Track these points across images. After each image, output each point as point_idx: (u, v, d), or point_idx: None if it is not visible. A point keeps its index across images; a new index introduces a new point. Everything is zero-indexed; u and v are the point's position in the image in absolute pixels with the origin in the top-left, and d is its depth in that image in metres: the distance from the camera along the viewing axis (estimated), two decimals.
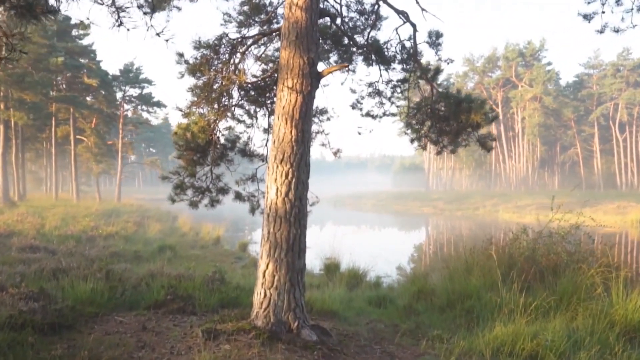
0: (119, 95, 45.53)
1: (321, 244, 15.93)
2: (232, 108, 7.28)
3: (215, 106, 6.89)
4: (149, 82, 46.19)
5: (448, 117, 7.29)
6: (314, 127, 7.90)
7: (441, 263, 14.51)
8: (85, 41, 40.78)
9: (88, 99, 41.77)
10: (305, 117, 5.46)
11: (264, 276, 5.37)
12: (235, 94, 7.18)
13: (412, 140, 8.47)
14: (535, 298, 7.24)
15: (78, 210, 27.94)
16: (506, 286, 8.09)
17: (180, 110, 6.51)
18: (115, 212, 30.03)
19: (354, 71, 8.80)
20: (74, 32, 39.32)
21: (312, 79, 5.52)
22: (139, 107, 48.60)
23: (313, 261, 14.73)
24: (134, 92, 46.30)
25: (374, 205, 72.12)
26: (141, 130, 64.80)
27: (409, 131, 8.28)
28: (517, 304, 7.03)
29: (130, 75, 44.68)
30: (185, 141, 6.73)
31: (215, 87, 6.45)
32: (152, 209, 36.79)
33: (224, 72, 6.31)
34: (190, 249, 18.24)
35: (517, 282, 8.06)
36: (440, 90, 7.31)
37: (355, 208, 70.70)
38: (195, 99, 6.45)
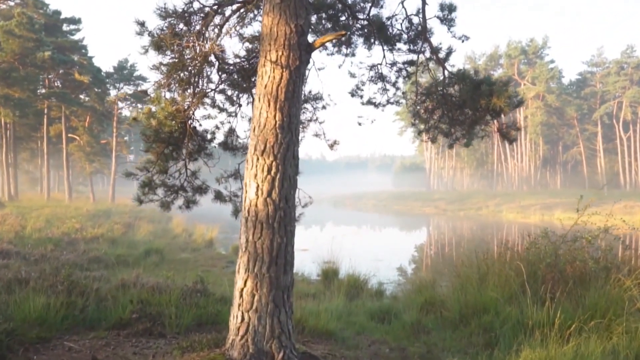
0: (113, 92, 44.43)
1: (320, 246, 14.86)
2: (212, 93, 6.24)
3: (190, 90, 5.84)
4: (144, 79, 45.06)
5: (462, 104, 6.25)
6: (306, 115, 6.86)
7: (449, 268, 13.47)
8: (76, 37, 39.71)
9: (81, 96, 40.65)
10: (292, 99, 4.42)
11: (241, 296, 4.32)
12: (214, 77, 6.14)
13: (419, 132, 7.44)
14: (563, 313, 6.16)
15: (67, 211, 26.88)
16: (527, 298, 7.09)
17: (146, 94, 5.46)
18: (107, 213, 29.00)
19: (353, 54, 7.75)
20: (65, 27, 38.21)
21: (301, 52, 4.48)
22: (133, 105, 47.42)
23: (310, 266, 13.71)
24: (128, 89, 45.16)
25: (374, 206, 71.14)
26: (139, 130, 63.56)
27: (416, 122, 7.23)
28: (543, 321, 6.00)
29: (125, 72, 43.51)
30: (154, 131, 5.67)
31: (188, 65, 5.40)
32: (146, 210, 35.63)
33: (197, 48, 5.27)
34: (181, 252, 17.20)
35: (539, 293, 7.07)
36: (454, 72, 6.26)
37: (355, 208, 69.71)
38: (162, 79, 5.41)
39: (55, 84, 38.74)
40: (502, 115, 5.88)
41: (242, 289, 4.32)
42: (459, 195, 70.40)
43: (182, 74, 5.42)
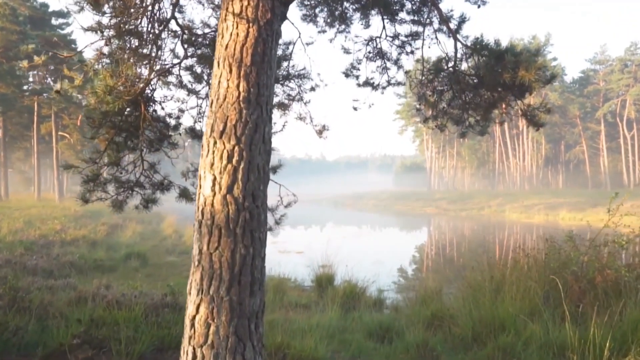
0: None
1: (317, 248, 13.77)
2: (176, 70, 5.15)
3: (146, 67, 4.75)
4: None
5: (479, 83, 5.17)
6: (287, 90, 5.76)
7: (455, 273, 12.42)
8: (66, 31, 38.49)
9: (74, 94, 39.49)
10: (262, 63, 3.33)
11: (192, 326, 3.24)
12: (180, 50, 5.06)
13: (425, 120, 6.34)
14: (597, 332, 5.03)
15: (54, 212, 25.79)
16: (553, 314, 6.03)
17: (84, 63, 4.38)
18: (96, 214, 27.86)
19: (348, 31, 6.67)
20: (54, 21, 37.04)
21: (274, 1, 3.39)
22: None
23: (303, 270, 12.63)
24: None
25: (375, 206, 70.14)
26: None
27: (421, 106, 6.14)
28: (575, 344, 4.93)
29: None
30: (102, 113, 4.58)
31: (136, 30, 4.32)
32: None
33: (148, 8, 4.17)
34: (167, 255, 16.13)
35: (564, 307, 6.03)
36: (468, 44, 5.17)
37: (356, 208, 68.71)
38: (103, 45, 4.32)
39: (46, 80, 37.62)
40: (529, 94, 4.80)
41: (193, 317, 3.24)
42: (461, 195, 69.36)
43: (131, 42, 4.36)
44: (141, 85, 4.54)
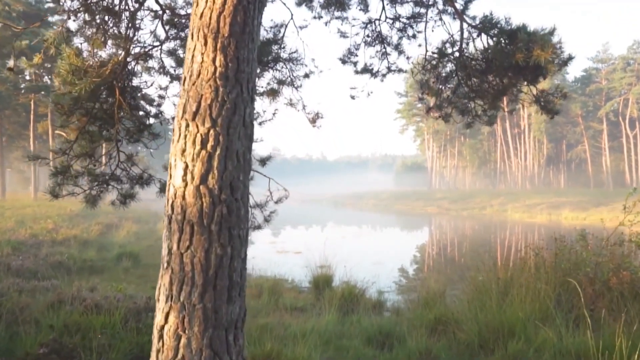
0: None
1: (316, 248, 13.32)
2: (157, 53, 4.71)
3: (122, 49, 4.31)
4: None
5: (487, 67, 4.71)
6: (277, 75, 5.31)
7: (459, 274, 11.97)
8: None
9: None
10: (242, 35, 2.89)
11: (160, 337, 2.80)
12: (160, 31, 4.61)
13: (428, 110, 5.90)
14: (625, 340, 4.56)
15: (49, 211, 25.33)
16: (566, 319, 5.60)
17: (44, 38, 3.95)
18: (92, 213, 27.43)
19: (345, 16, 6.22)
20: (51, 18, 36.60)
21: None
22: None
23: (301, 271, 12.19)
24: None
25: (375, 205, 69.72)
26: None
27: (424, 95, 5.69)
28: (592, 351, 4.49)
29: None
30: (74, 99, 4.14)
31: (105, 2, 3.88)
32: (137, 209, 34.07)
33: None
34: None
35: (577, 310, 5.64)
36: (475, 24, 4.72)
37: (356, 208, 68.31)
38: (68, 19, 3.88)
39: (42, 78, 37.22)
40: (543, 78, 4.35)
41: (162, 327, 2.80)
42: (462, 194, 68.91)
43: (102, 18, 3.92)
44: (112, 67, 4.09)
